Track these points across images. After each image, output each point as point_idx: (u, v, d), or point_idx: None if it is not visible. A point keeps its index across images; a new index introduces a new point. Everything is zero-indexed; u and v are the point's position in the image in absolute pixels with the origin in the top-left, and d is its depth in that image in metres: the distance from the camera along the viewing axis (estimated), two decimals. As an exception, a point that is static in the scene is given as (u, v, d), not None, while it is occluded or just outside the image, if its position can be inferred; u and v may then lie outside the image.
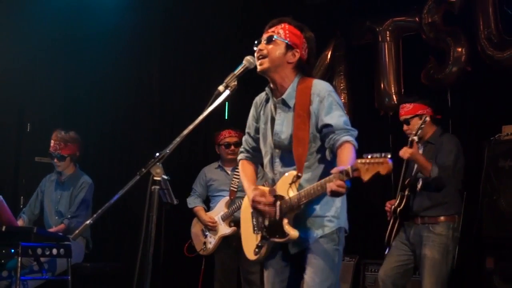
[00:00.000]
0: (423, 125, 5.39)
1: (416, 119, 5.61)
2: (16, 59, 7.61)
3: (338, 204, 3.64)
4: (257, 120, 3.91)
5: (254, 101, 3.95)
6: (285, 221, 3.54)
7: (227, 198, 6.60)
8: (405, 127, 5.70)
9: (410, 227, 5.58)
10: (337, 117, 3.55)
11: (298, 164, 3.57)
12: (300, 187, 3.54)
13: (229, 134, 6.69)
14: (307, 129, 3.60)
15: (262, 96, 3.91)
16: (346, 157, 3.34)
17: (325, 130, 3.57)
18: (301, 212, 3.58)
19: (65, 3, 7.78)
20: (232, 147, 6.63)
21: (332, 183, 3.21)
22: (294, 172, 3.57)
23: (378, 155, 3.08)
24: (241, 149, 4.06)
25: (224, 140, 6.71)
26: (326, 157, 3.63)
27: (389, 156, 3.07)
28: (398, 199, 5.56)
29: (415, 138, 5.39)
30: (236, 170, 6.66)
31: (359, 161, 3.11)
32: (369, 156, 3.09)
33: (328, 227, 3.59)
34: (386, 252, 5.65)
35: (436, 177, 5.35)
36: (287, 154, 3.65)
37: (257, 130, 3.92)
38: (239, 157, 4.06)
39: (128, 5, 8.07)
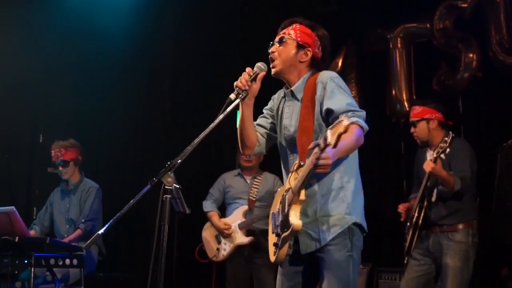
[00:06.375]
0: (447, 145, 5.30)
1: (423, 122, 5.59)
2: (29, 70, 7.65)
3: (349, 200, 3.51)
4: (271, 109, 3.88)
5: (272, 97, 3.91)
6: (291, 212, 3.41)
7: (245, 207, 6.58)
8: (412, 129, 5.68)
9: (428, 236, 5.52)
10: (339, 100, 3.45)
11: (301, 153, 3.48)
12: None
13: None
14: (311, 119, 3.53)
15: (280, 92, 3.86)
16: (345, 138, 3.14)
17: (329, 117, 3.46)
18: (312, 210, 3.50)
19: (76, 16, 7.83)
20: None
21: (311, 157, 3.16)
22: (297, 161, 3.51)
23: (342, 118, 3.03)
24: None
25: None
26: None
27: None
28: (417, 210, 5.51)
29: (442, 156, 5.33)
30: (255, 179, 6.67)
31: (328, 127, 3.05)
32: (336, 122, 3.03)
33: (339, 226, 3.46)
34: (405, 262, 5.61)
35: (459, 189, 5.32)
36: (296, 146, 3.57)
37: (266, 119, 3.88)
38: None
39: (140, 17, 8.10)
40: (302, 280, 3.63)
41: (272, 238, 3.66)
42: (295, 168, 3.51)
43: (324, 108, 3.48)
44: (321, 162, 3.12)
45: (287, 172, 3.68)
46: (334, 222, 3.47)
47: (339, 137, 2.97)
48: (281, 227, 3.51)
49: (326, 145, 3.04)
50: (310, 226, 3.49)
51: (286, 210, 3.47)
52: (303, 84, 3.66)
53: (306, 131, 3.52)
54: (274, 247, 3.58)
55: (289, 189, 3.50)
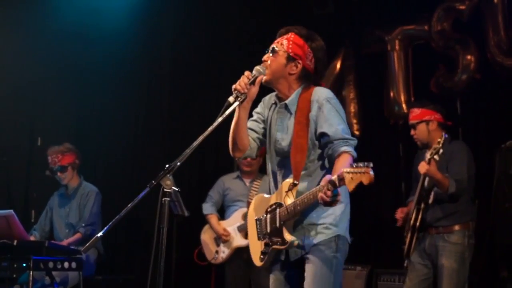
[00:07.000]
0: (440, 146, 5.29)
1: (423, 124, 5.58)
2: (28, 73, 7.65)
3: (338, 213, 3.60)
4: (261, 113, 3.89)
5: (263, 99, 3.92)
6: (285, 228, 3.56)
7: (245, 209, 6.56)
8: (412, 131, 5.68)
9: (425, 238, 5.53)
10: (335, 125, 3.52)
11: (295, 172, 3.56)
12: (299, 194, 3.53)
13: None
14: (306, 136, 3.58)
15: (271, 97, 3.87)
16: (340, 167, 3.29)
17: (323, 140, 3.55)
18: (299, 219, 3.58)
19: (75, 19, 7.82)
20: (249, 159, 6.57)
21: (321, 193, 3.23)
22: (291, 180, 3.57)
23: (362, 164, 3.10)
24: None
25: None
26: (326, 164, 3.62)
27: (371, 165, 3.09)
28: (414, 213, 5.51)
29: (436, 157, 5.31)
30: (255, 182, 6.67)
31: (344, 170, 3.13)
32: (354, 165, 3.12)
33: (324, 234, 3.57)
34: (405, 265, 5.60)
35: (453, 192, 5.32)
36: (288, 161, 3.63)
37: (258, 124, 3.88)
38: None
39: (139, 21, 8.10)
40: (295, 284, 3.69)
41: (257, 244, 3.77)
42: (289, 187, 3.58)
43: (319, 131, 3.56)
44: (338, 198, 3.26)
45: (275, 180, 3.77)
46: (320, 231, 3.59)
47: (358, 184, 3.10)
48: (271, 239, 3.64)
49: (341, 185, 3.16)
50: (296, 234, 3.59)
51: (278, 225, 3.59)
52: (296, 98, 3.69)
53: (300, 149, 3.58)
54: (262, 255, 3.72)
55: (279, 204, 3.61)
